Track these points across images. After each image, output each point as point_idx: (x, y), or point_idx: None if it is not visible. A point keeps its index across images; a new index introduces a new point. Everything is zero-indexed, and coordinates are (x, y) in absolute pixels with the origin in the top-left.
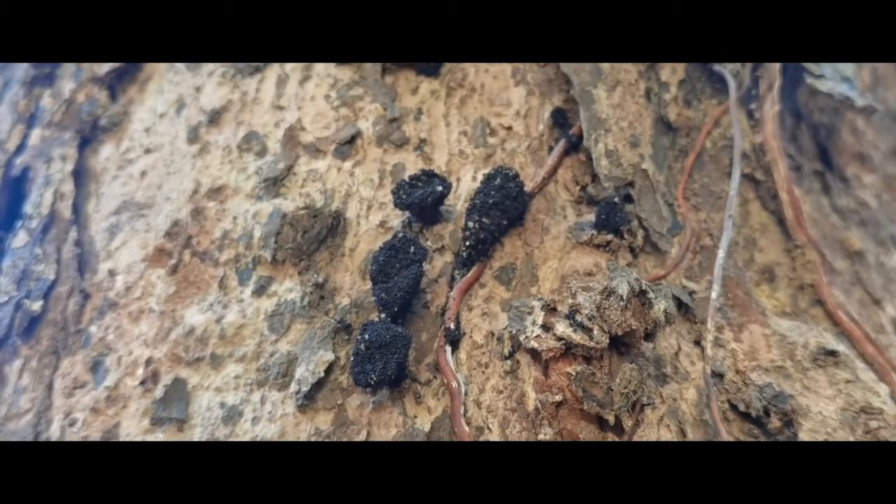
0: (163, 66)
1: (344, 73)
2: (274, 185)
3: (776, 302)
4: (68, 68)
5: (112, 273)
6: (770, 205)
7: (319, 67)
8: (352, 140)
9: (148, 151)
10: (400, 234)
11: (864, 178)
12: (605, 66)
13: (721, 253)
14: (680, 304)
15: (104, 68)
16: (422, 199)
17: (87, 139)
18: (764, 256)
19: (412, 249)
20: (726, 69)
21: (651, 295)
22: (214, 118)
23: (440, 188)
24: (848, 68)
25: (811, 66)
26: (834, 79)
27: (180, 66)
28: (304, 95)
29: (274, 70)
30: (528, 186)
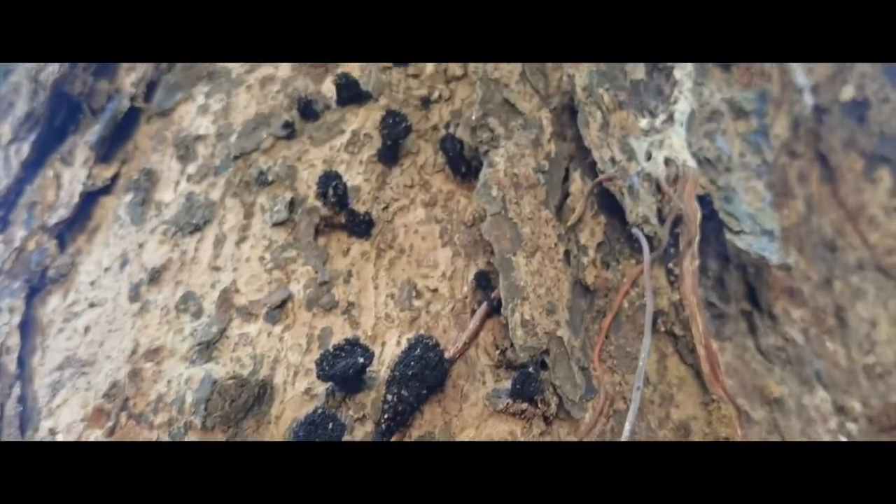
0: (109, 217)
1: (279, 234)
2: (207, 348)
3: None
4: (20, 214)
5: (52, 432)
6: (688, 358)
7: (256, 228)
8: (283, 304)
9: (92, 306)
10: (319, 410)
11: (793, 313)
12: (526, 231)
13: (627, 426)
14: None
15: (54, 218)
16: (343, 370)
17: (36, 289)
18: (680, 412)
19: (331, 426)
20: (643, 231)
21: None
22: (155, 277)
23: (361, 360)
24: (769, 219)
25: (730, 221)
26: (754, 233)
27: (126, 219)
28: (239, 256)
29: (212, 229)
30: (450, 351)
